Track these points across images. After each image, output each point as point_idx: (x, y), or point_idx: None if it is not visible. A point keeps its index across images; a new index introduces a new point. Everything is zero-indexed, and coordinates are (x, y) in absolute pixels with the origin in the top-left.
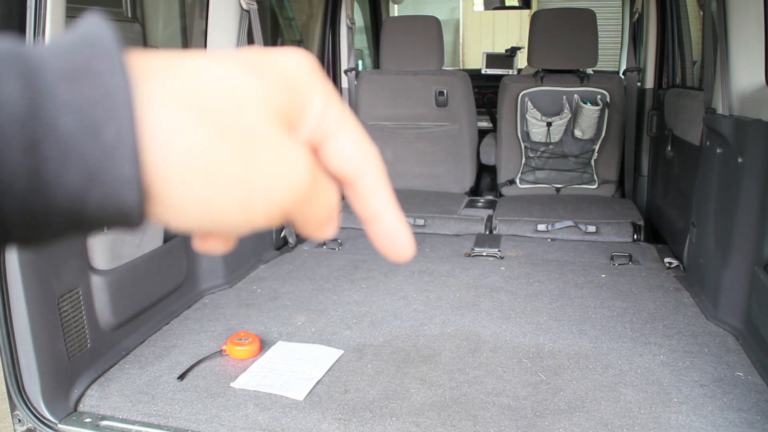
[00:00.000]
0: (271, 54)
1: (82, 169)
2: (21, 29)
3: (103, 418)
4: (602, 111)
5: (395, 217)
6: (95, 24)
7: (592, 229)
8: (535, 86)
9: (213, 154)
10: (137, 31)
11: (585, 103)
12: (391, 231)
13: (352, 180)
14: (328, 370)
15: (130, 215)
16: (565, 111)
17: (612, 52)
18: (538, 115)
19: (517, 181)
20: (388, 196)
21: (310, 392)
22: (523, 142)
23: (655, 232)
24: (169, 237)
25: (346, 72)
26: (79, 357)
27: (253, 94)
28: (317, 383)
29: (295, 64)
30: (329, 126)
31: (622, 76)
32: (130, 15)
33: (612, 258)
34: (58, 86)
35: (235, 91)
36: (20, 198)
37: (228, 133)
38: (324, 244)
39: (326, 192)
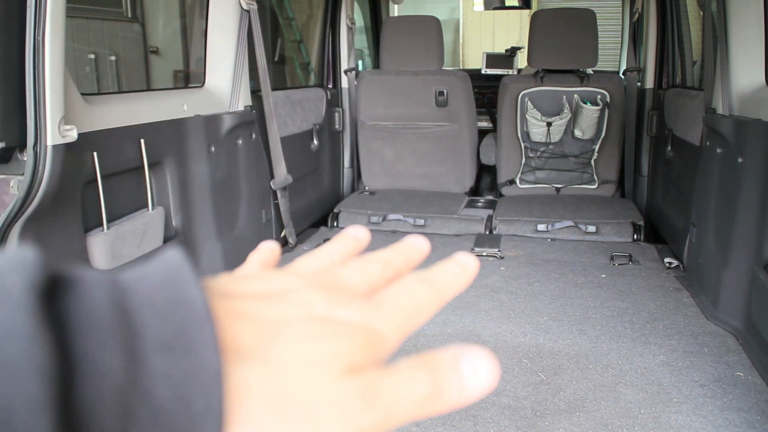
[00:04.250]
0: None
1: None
2: (21, 29)
3: None
4: (602, 111)
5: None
6: (184, 277)
7: (592, 229)
8: (535, 86)
9: None
10: (137, 31)
11: (585, 103)
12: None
13: None
14: None
15: None
16: (565, 111)
17: (612, 52)
18: (538, 115)
19: (517, 181)
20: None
21: None
22: (523, 142)
23: (655, 232)
24: (169, 237)
25: (346, 72)
26: None
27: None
28: None
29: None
30: None
31: (622, 76)
32: (130, 15)
33: (612, 258)
34: (155, 357)
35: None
36: None
37: (296, 414)
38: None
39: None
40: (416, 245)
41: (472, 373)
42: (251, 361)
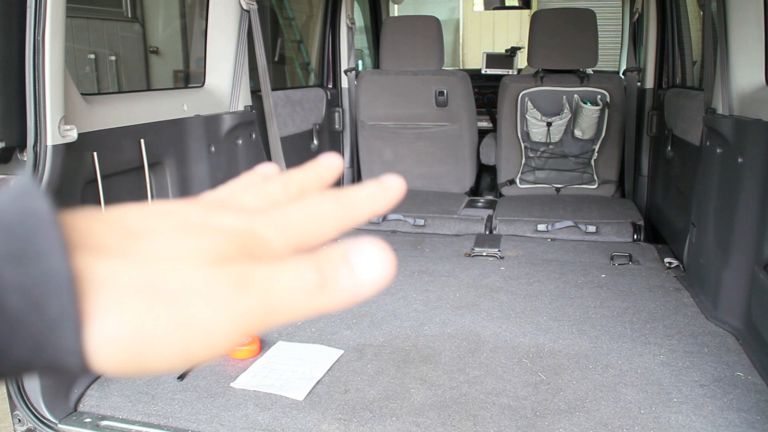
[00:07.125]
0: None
1: (29, 342)
2: (21, 29)
3: (103, 418)
4: (602, 111)
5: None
6: (30, 192)
7: (592, 229)
8: (535, 86)
9: (146, 325)
10: (137, 31)
11: (585, 103)
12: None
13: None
14: (328, 370)
15: (71, 372)
16: (565, 111)
17: (612, 52)
18: (538, 115)
19: (517, 181)
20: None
21: (310, 392)
22: (523, 142)
23: (655, 232)
24: None
25: (346, 72)
26: None
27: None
28: (317, 383)
29: None
30: None
31: (622, 76)
32: (130, 15)
33: (612, 258)
34: (4, 269)
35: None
36: None
37: (162, 302)
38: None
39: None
40: (325, 162)
41: (364, 262)
42: (115, 257)
